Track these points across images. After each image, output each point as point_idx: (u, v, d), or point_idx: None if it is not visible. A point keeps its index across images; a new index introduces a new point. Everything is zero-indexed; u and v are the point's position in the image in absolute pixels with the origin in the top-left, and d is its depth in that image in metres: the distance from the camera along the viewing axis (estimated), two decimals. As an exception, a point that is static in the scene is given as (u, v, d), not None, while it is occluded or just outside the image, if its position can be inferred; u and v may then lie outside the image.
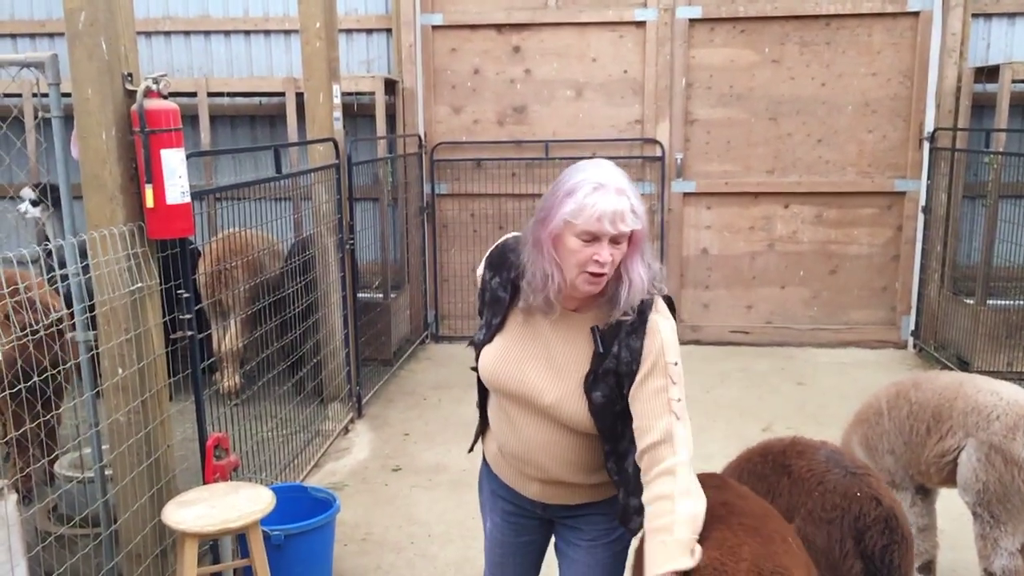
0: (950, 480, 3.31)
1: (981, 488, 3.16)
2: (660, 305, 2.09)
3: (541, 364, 2.11)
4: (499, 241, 2.30)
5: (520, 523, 2.37)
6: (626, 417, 2.05)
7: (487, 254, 2.29)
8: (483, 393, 2.35)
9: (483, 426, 2.41)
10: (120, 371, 3.25)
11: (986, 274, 6.43)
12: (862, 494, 2.56)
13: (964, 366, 6.32)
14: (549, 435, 2.13)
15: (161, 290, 3.43)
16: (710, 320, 7.54)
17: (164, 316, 3.45)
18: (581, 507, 2.25)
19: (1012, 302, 6.43)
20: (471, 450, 2.58)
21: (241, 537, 3.34)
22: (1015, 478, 3.08)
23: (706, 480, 2.17)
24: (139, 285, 3.25)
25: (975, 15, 6.84)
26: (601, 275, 1.99)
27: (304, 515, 3.74)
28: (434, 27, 7.38)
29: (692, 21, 7.13)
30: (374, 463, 5.17)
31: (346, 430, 5.64)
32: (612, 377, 2.05)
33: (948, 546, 3.93)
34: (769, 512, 2.23)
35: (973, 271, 6.79)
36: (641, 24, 7.19)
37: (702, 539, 1.94)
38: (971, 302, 6.54)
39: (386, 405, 6.15)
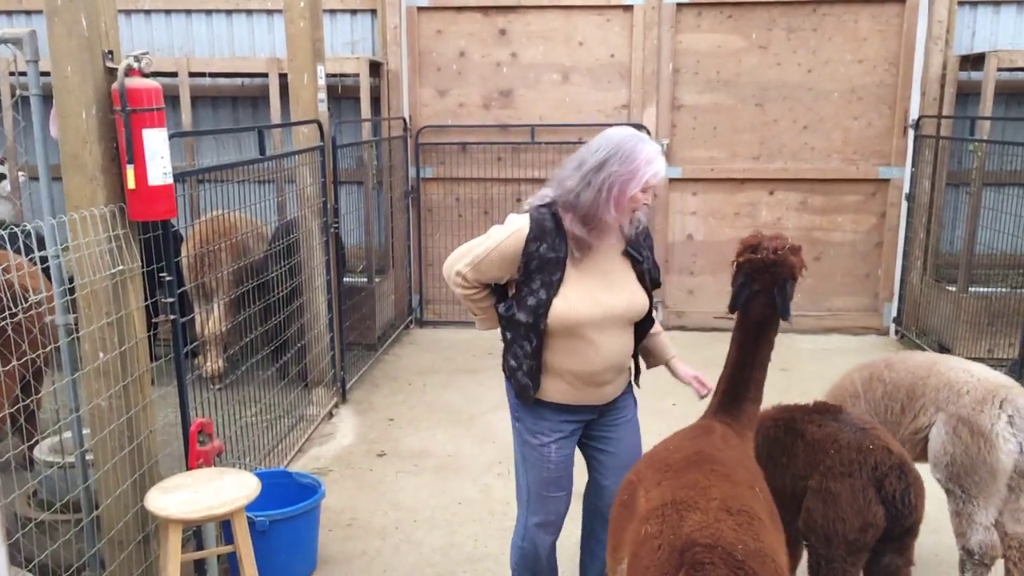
0: (924, 456, 3.37)
1: (949, 461, 3.22)
2: None
3: (605, 288, 2.75)
4: (521, 220, 2.74)
5: (577, 434, 2.95)
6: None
7: (526, 230, 2.71)
8: (539, 348, 2.75)
9: (536, 380, 2.80)
10: (101, 355, 3.20)
11: (968, 261, 6.47)
12: (875, 446, 2.77)
13: (945, 352, 6.36)
14: (620, 338, 2.81)
15: (143, 273, 3.37)
16: (695, 306, 7.55)
17: (146, 299, 3.40)
18: (621, 396, 2.96)
19: (993, 289, 6.48)
20: (532, 400, 2.86)
21: (225, 523, 3.31)
22: (981, 449, 3.15)
23: (688, 432, 2.65)
24: (120, 268, 3.19)
25: (961, 3, 6.85)
26: (636, 211, 2.72)
27: (289, 501, 3.73)
28: (419, 9, 7.30)
29: (679, 6, 7.09)
30: (359, 448, 5.14)
31: (330, 415, 5.60)
32: (646, 274, 2.85)
33: (929, 530, 3.94)
34: (741, 462, 2.48)
35: (956, 259, 6.84)
36: (628, 8, 7.14)
37: (679, 480, 2.28)
38: (953, 289, 6.58)
39: (371, 390, 6.12)
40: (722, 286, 7.48)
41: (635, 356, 3.01)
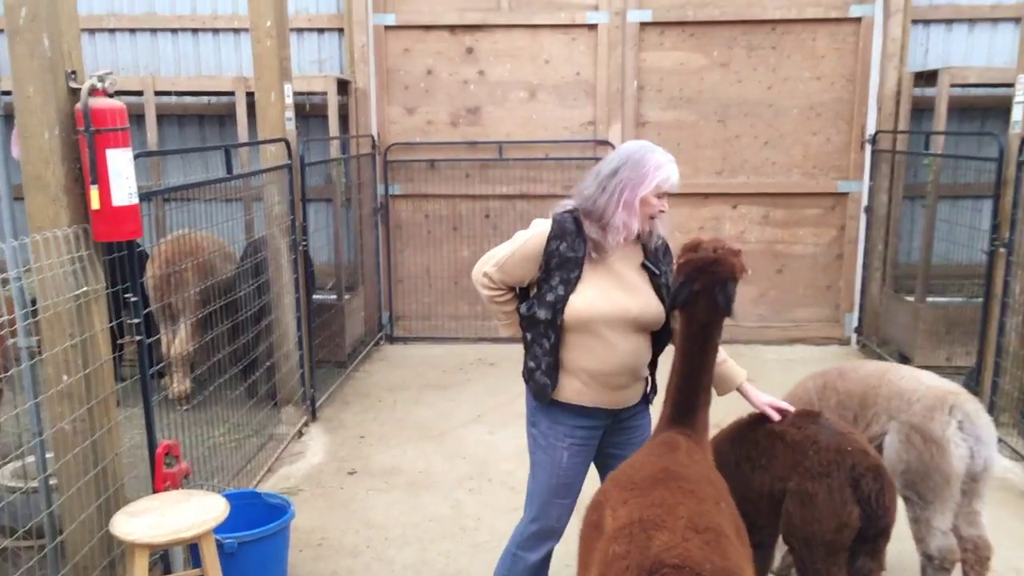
0: None
1: (904, 468, 3.30)
2: None
3: (621, 289, 2.88)
4: (545, 223, 2.95)
5: (591, 443, 3.03)
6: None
7: (547, 231, 2.91)
8: (556, 345, 2.90)
9: (554, 377, 2.93)
10: (65, 377, 3.16)
11: (925, 272, 6.63)
12: (852, 448, 2.82)
13: (905, 361, 6.50)
14: (634, 341, 2.91)
15: (108, 293, 3.35)
16: (662, 319, 7.62)
17: (111, 320, 3.37)
18: (635, 406, 3.04)
19: (950, 299, 6.64)
20: (550, 401, 2.98)
21: (193, 546, 3.27)
22: (934, 455, 3.23)
23: (652, 449, 2.63)
24: (84, 289, 3.16)
25: (914, 21, 7.05)
26: (654, 219, 2.88)
27: (258, 521, 3.69)
28: (387, 27, 7.34)
29: (643, 25, 7.22)
30: (329, 466, 5.12)
31: (300, 434, 5.57)
32: (663, 288, 2.93)
33: (893, 537, 4.04)
34: (706, 477, 2.49)
35: (913, 269, 7.00)
36: (593, 27, 7.25)
37: (646, 499, 2.27)
38: (911, 299, 6.73)
39: (341, 407, 6.10)
40: (689, 299, 7.56)
41: (651, 373, 3.09)
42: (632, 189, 2.81)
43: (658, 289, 2.94)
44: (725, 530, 2.20)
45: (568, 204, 2.97)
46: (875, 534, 2.83)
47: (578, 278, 2.87)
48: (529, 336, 2.99)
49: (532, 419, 3.09)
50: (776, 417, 2.98)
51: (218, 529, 3.15)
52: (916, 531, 3.38)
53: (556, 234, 2.90)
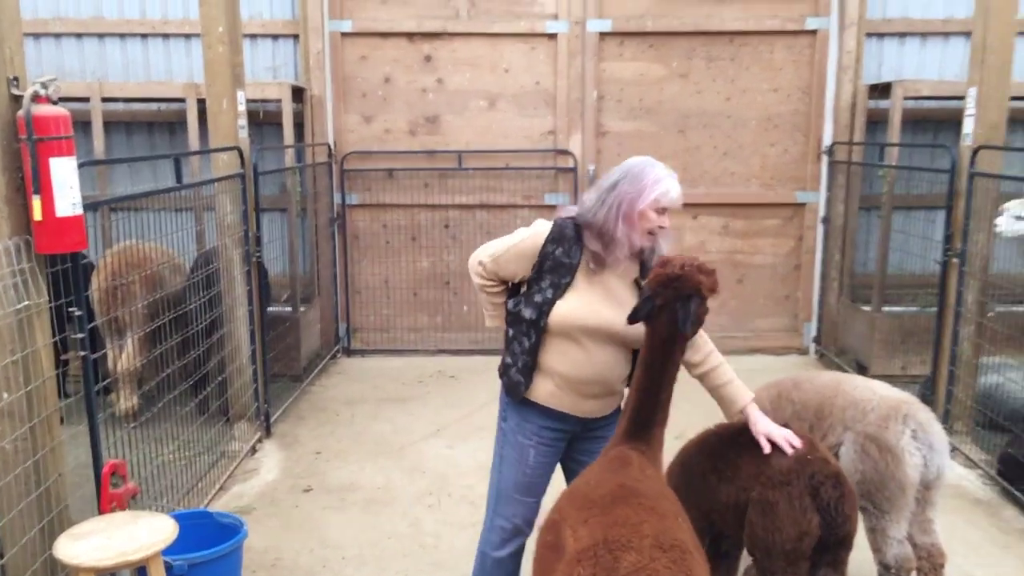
0: None
1: (860, 478, 3.32)
2: None
3: (609, 304, 2.87)
4: (547, 225, 2.96)
5: (558, 445, 3.05)
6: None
7: (546, 232, 2.93)
8: (536, 346, 2.93)
9: (529, 377, 2.96)
10: (5, 395, 3.03)
11: (881, 282, 6.72)
12: (813, 457, 2.85)
13: (863, 370, 6.58)
14: (612, 354, 2.92)
15: (51, 308, 3.21)
16: (623, 329, 7.62)
17: (54, 336, 3.23)
18: (607, 417, 3.05)
19: (905, 309, 6.74)
20: (521, 399, 3.00)
21: (141, 570, 3.14)
22: (889, 465, 3.26)
23: (605, 464, 2.60)
24: (26, 303, 3.03)
25: (868, 35, 7.17)
26: (655, 236, 2.87)
27: (209, 542, 3.57)
28: (343, 34, 7.24)
29: (603, 35, 7.22)
30: (283, 484, 4.98)
31: (254, 450, 5.42)
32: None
33: (855, 546, 4.06)
34: (662, 492, 2.48)
35: (869, 279, 7.10)
36: (553, 36, 7.23)
37: (608, 518, 2.23)
38: (868, 309, 6.82)
39: (296, 423, 5.96)
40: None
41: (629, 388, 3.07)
42: (630, 203, 2.82)
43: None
44: (688, 546, 2.19)
45: (572, 210, 3.00)
46: (836, 543, 2.84)
47: (568, 284, 2.89)
48: (511, 332, 3.01)
49: (503, 413, 3.12)
50: (767, 448, 2.87)
51: (168, 550, 3.04)
52: (872, 541, 3.40)
53: (554, 237, 2.92)
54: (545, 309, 2.89)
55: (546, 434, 3.03)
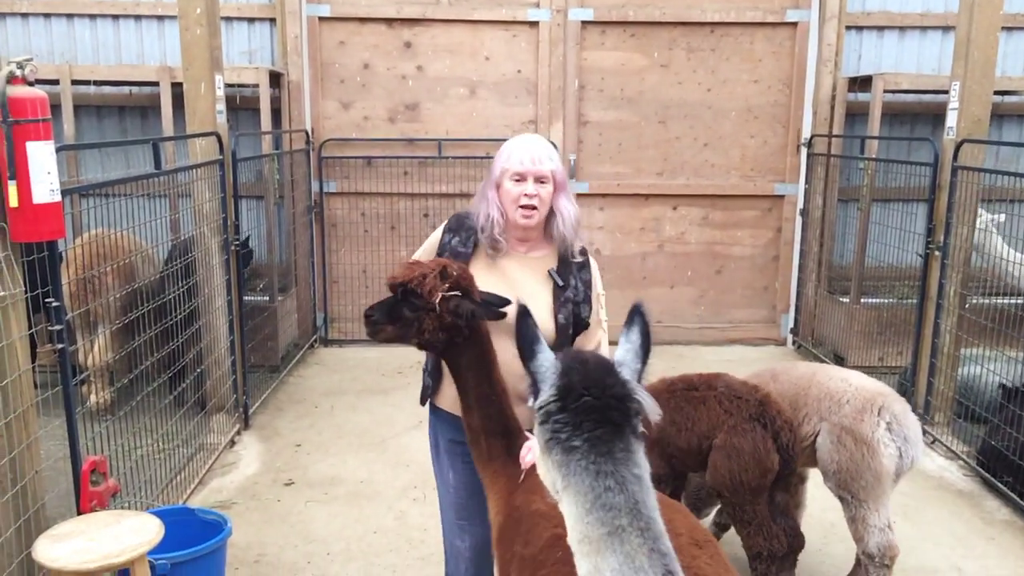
0: (812, 462, 3.59)
1: (836, 469, 3.42)
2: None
3: (508, 293, 2.57)
4: (453, 215, 2.90)
5: (471, 468, 2.73)
6: (568, 335, 2.74)
7: (445, 223, 2.87)
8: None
9: (436, 382, 2.84)
10: (-22, 391, 2.90)
11: (859, 274, 6.77)
12: (769, 406, 3.36)
13: (840, 361, 6.63)
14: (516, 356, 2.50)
15: (26, 299, 3.08)
16: (602, 320, 7.60)
17: (30, 328, 3.11)
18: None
19: (883, 300, 6.80)
20: (423, 403, 2.95)
21: (124, 572, 3.04)
22: (864, 456, 3.35)
23: (518, 492, 2.44)
24: (1, 294, 2.90)
25: (848, 27, 7.19)
26: (532, 208, 2.68)
27: (192, 540, 3.47)
28: (321, 18, 7.10)
29: (584, 23, 7.16)
30: (264, 477, 4.88)
31: (232, 443, 5.31)
32: (570, 304, 2.76)
33: (839, 538, 4.08)
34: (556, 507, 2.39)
35: (847, 271, 7.14)
36: (534, 24, 7.15)
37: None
38: (846, 300, 6.87)
39: (275, 414, 5.85)
40: (627, 300, 7.51)
41: None
42: (491, 181, 2.76)
43: (562, 304, 2.74)
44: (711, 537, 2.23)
45: None
46: (788, 473, 3.41)
47: None
48: None
49: (430, 426, 3.01)
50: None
51: (151, 550, 2.94)
52: (854, 531, 3.47)
53: (451, 227, 2.85)
54: None
55: (457, 449, 2.80)
